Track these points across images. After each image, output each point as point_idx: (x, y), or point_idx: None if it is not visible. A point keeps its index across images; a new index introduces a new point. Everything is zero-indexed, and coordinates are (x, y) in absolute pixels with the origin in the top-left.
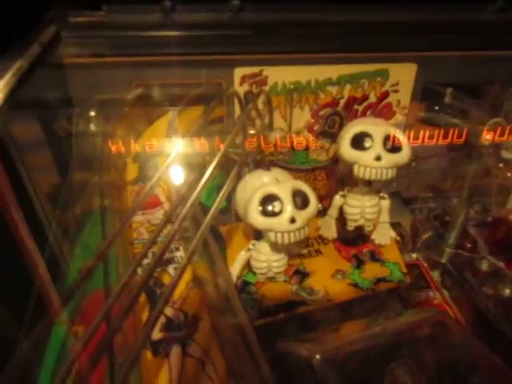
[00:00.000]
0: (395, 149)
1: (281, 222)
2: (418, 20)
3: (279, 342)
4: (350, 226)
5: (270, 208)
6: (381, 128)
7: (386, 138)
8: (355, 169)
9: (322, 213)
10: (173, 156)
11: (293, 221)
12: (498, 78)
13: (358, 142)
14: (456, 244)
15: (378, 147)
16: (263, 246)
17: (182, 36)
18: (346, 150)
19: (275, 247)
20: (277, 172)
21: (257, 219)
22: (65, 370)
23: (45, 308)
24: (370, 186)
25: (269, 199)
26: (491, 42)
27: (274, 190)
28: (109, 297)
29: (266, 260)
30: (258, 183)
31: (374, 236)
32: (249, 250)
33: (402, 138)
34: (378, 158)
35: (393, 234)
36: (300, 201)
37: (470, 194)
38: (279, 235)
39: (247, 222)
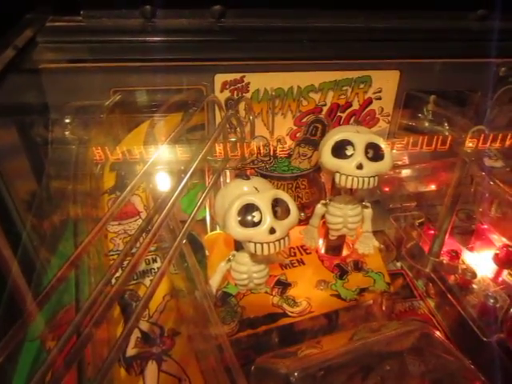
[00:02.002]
0: (377, 157)
1: (260, 233)
2: (400, 27)
3: (258, 359)
4: (332, 235)
5: (248, 218)
6: (363, 136)
7: (368, 146)
8: (336, 177)
9: (304, 221)
10: (149, 163)
11: (272, 231)
12: (481, 86)
13: (340, 150)
14: (440, 252)
15: (360, 155)
16: (243, 257)
17: (162, 41)
18: (327, 158)
19: (256, 258)
20: (256, 181)
21: (235, 230)
22: None
23: (18, 315)
24: (353, 195)
25: (248, 209)
26: (473, 49)
27: (253, 199)
28: (79, 311)
29: (247, 271)
30: (237, 192)
31: (357, 245)
32: (229, 260)
33: (384, 146)
34: (360, 167)
35: (376, 243)
36: (280, 211)
37: (453, 202)
38: (258, 246)
39: (226, 232)
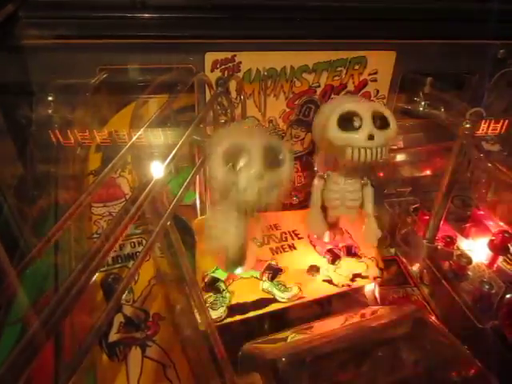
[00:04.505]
0: (384, 125)
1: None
2: (397, 7)
3: (245, 345)
4: (331, 216)
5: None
6: (367, 105)
7: (374, 115)
8: (348, 153)
9: (297, 205)
10: (131, 141)
11: (371, 137)
12: (479, 69)
13: (347, 122)
14: (435, 238)
15: (369, 126)
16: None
17: (150, 18)
18: (335, 133)
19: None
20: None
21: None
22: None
23: None
24: (354, 170)
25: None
26: (472, 30)
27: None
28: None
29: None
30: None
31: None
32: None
33: (387, 112)
34: (371, 137)
35: (378, 232)
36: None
37: (449, 187)
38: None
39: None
